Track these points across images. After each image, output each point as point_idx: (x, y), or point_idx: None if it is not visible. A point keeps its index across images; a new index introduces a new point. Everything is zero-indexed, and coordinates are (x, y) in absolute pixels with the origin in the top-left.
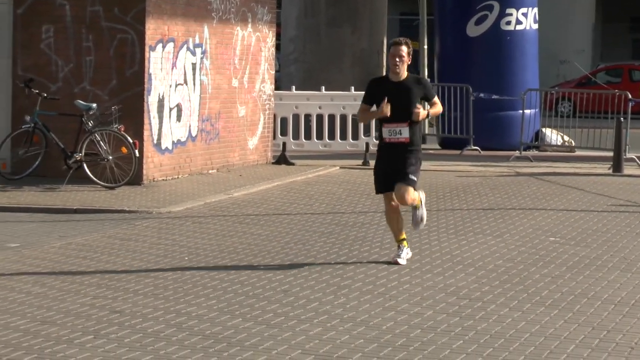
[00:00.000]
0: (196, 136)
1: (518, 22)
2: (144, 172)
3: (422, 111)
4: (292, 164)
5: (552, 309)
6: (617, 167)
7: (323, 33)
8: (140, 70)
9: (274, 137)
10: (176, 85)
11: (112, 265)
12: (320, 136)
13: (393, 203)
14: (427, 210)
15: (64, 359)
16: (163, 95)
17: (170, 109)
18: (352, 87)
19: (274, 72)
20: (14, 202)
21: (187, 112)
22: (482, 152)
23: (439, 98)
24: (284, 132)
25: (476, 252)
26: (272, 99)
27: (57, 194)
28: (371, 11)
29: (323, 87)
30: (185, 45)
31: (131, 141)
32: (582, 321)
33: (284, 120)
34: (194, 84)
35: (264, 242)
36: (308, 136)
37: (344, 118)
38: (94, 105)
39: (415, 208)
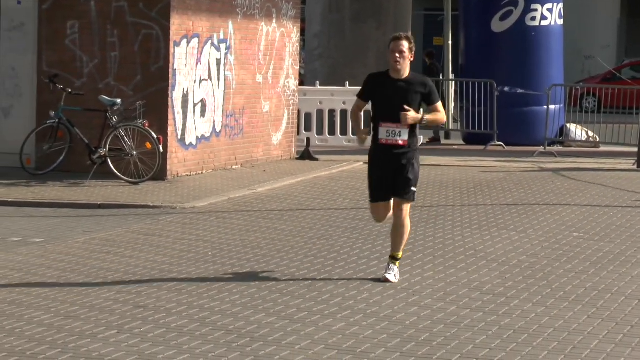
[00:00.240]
0: (220, 131)
1: (543, 17)
2: (168, 167)
3: (412, 114)
4: (316, 160)
5: (575, 304)
6: None
7: (347, 29)
8: (165, 65)
9: (298, 132)
10: (200, 81)
11: (136, 260)
12: (344, 132)
13: (390, 214)
14: (450, 206)
15: (88, 354)
16: (187, 91)
17: (195, 105)
18: None
19: (298, 67)
20: (39, 197)
21: (212, 107)
22: (506, 148)
23: (462, 95)
24: (308, 128)
25: (500, 248)
26: (297, 94)
27: (81, 189)
28: (396, 7)
29: (347, 83)
30: (210, 41)
31: (155, 136)
32: (605, 316)
33: (308, 116)
34: (218, 79)
35: (288, 237)
36: (332, 132)
37: (367, 114)
38: (119, 100)
39: (394, 259)
